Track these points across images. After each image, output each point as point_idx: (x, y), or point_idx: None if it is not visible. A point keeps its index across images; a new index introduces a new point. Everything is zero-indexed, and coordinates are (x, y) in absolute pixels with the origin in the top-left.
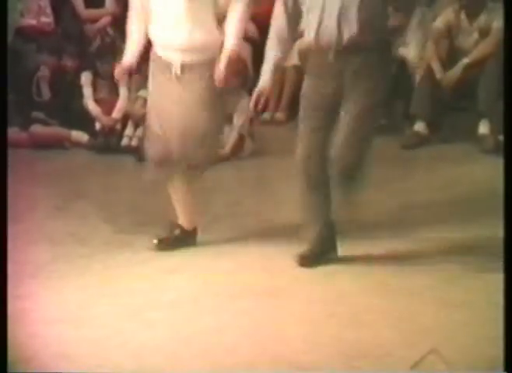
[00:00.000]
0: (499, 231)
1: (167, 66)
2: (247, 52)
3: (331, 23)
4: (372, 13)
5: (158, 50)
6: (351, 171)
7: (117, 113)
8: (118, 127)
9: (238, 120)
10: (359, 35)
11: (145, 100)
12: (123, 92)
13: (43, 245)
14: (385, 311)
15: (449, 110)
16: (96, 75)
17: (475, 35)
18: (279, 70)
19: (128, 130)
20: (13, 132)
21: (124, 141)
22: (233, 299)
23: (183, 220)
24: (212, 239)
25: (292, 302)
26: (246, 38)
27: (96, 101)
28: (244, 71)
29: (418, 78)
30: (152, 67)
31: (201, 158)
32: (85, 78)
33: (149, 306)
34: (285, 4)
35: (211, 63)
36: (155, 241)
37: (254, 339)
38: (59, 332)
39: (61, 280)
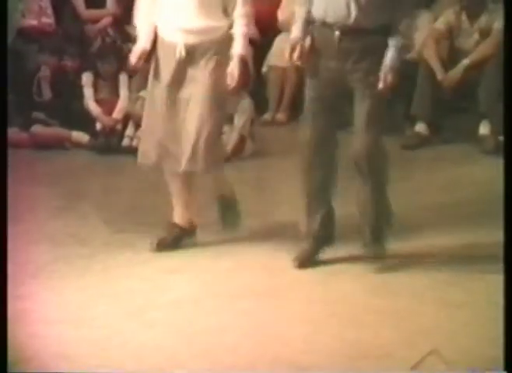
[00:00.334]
0: (499, 232)
1: (172, 51)
2: (248, 52)
3: (340, 2)
4: None
5: (163, 34)
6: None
7: (117, 114)
8: (119, 127)
9: (239, 120)
10: (366, 17)
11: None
12: (123, 92)
13: (44, 245)
14: (385, 312)
15: (449, 111)
16: (96, 76)
17: (476, 36)
18: (308, 24)
19: (129, 131)
20: (14, 132)
21: (125, 142)
22: (233, 299)
23: (182, 219)
24: (212, 239)
25: (292, 302)
26: None
27: (97, 101)
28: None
29: (419, 78)
30: (156, 62)
31: (209, 160)
32: (86, 78)
33: (150, 306)
34: None
35: (215, 46)
36: (155, 241)
37: (254, 339)
38: (59, 332)
39: (62, 281)
